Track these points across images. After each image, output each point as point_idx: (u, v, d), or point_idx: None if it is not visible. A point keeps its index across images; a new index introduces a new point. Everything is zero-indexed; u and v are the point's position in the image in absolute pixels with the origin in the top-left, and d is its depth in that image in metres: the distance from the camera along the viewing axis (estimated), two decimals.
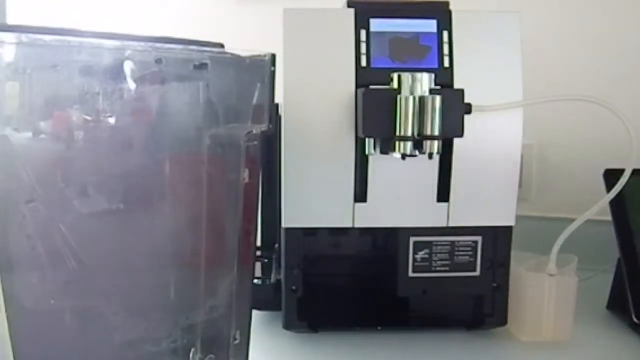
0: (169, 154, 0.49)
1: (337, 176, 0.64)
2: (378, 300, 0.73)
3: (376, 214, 0.66)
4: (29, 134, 0.41)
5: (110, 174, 0.46)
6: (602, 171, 0.77)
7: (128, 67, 0.45)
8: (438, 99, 0.58)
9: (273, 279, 0.74)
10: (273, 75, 0.52)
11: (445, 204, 0.66)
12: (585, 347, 0.69)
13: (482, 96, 0.63)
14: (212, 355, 0.53)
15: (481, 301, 0.70)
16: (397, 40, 0.64)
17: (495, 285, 0.69)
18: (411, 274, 0.68)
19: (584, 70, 1.00)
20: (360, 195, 0.65)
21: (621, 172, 0.65)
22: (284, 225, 0.66)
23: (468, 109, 0.61)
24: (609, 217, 0.77)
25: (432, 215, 0.66)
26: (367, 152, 0.63)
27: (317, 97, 0.63)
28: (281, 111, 0.64)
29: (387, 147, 0.61)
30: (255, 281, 0.71)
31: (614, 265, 0.79)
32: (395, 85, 0.60)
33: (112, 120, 0.45)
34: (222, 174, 0.52)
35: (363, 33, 0.64)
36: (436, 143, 0.59)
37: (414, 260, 0.68)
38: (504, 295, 0.69)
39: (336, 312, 0.73)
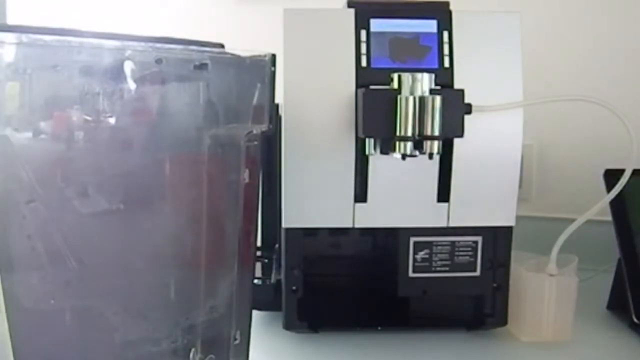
0: (169, 154, 0.49)
1: (337, 176, 0.64)
2: (378, 300, 0.73)
3: (376, 214, 0.66)
4: (29, 134, 0.41)
5: (110, 174, 0.46)
6: (602, 171, 0.77)
7: (128, 67, 0.45)
8: (438, 99, 0.58)
9: (273, 279, 0.74)
10: (273, 75, 0.52)
11: (445, 204, 0.66)
12: (585, 347, 0.69)
13: (482, 96, 0.63)
14: (212, 355, 0.53)
15: (481, 301, 0.70)
16: (397, 40, 0.64)
17: (495, 285, 0.69)
18: (411, 274, 0.68)
19: (584, 70, 1.00)
20: (360, 195, 0.65)
21: (621, 172, 0.65)
22: (284, 225, 0.66)
23: (468, 109, 0.61)
24: (609, 217, 0.77)
25: (432, 215, 0.66)
26: (367, 152, 0.63)
27: (317, 97, 0.63)
28: (281, 111, 0.64)
29: (387, 147, 0.61)
30: (255, 281, 0.71)
31: (614, 265, 0.79)
32: (395, 85, 0.60)
33: (112, 120, 0.45)
34: (222, 174, 0.52)
35: (363, 33, 0.64)
36: (436, 143, 0.59)
37: (414, 260, 0.68)
38: (504, 296, 0.69)
39: (336, 312, 0.73)
